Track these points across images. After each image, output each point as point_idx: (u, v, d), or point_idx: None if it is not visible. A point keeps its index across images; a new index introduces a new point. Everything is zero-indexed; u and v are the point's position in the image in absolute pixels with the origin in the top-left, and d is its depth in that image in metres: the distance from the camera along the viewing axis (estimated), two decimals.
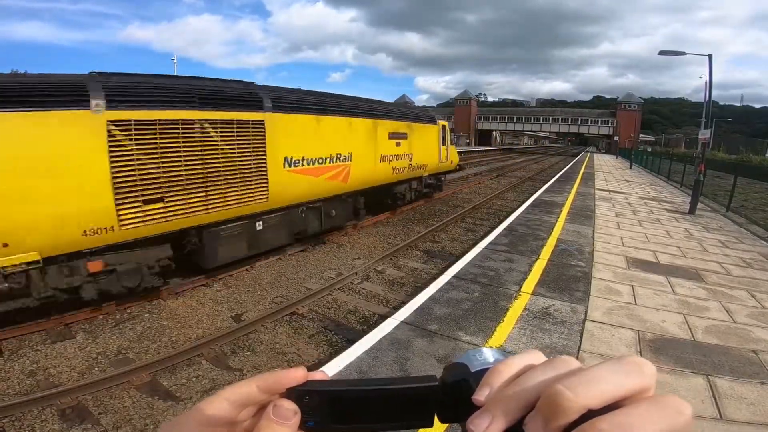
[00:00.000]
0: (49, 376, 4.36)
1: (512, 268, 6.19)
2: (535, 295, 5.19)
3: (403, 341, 3.96)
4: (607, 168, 31.16)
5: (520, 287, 5.44)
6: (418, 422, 0.35)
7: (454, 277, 5.80)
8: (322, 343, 5.07)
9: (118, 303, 5.84)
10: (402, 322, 4.34)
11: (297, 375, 0.35)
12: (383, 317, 4.94)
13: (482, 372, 0.34)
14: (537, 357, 0.34)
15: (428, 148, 13.30)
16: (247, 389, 0.35)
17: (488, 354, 0.37)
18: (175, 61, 33.90)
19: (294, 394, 0.35)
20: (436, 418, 0.36)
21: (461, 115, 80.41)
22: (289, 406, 0.34)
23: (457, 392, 0.34)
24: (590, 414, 0.26)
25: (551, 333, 4.20)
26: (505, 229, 8.81)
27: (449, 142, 15.01)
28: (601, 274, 6.07)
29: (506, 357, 0.35)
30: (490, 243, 7.61)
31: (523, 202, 13.17)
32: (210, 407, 0.35)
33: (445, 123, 14.86)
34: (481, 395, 0.32)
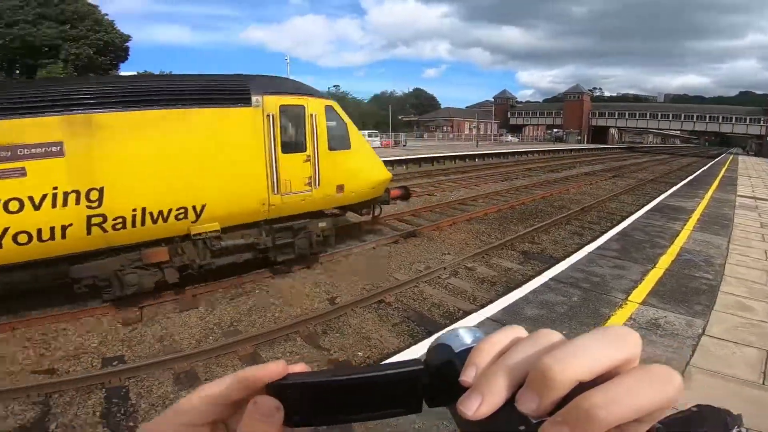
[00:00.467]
0: (173, 342, 5.08)
1: (621, 276, 5.61)
2: (645, 305, 4.65)
3: None
4: (756, 172, 26.34)
5: (628, 296, 4.91)
6: (406, 408, 0.34)
7: (552, 279, 5.46)
8: (403, 333, 5.18)
9: (237, 278, 6.66)
10: (487, 318, 4.23)
11: (276, 369, 0.34)
12: (467, 313, 4.87)
13: (466, 351, 0.33)
14: (518, 332, 0.33)
15: (201, 168, 5.58)
16: (224, 387, 0.34)
17: (470, 332, 0.36)
18: (288, 61, 36.74)
19: (274, 389, 0.33)
20: (424, 403, 0.34)
21: (572, 110, 74.73)
22: (270, 402, 0.32)
23: (443, 374, 0.33)
24: (581, 386, 0.26)
25: (656, 344, 3.76)
26: (617, 233, 8.00)
27: (327, 143, 6.69)
28: (731, 288, 5.20)
29: (488, 334, 0.34)
30: (599, 248, 6.98)
31: (643, 206, 11.78)
32: (187, 407, 0.33)
33: (314, 100, 6.61)
34: (467, 376, 0.31)
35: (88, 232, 5.02)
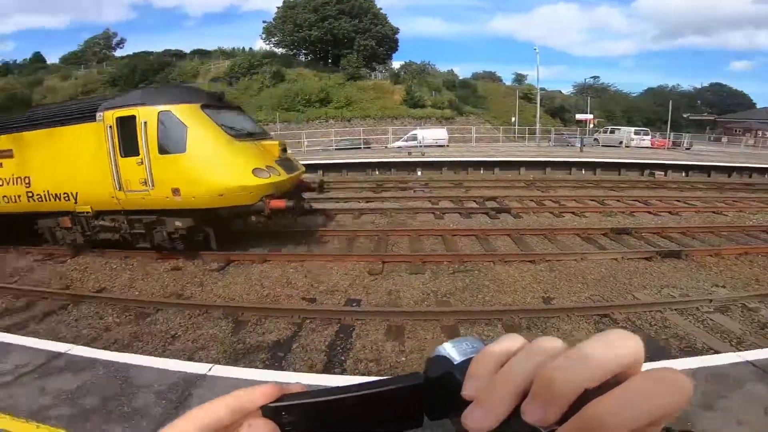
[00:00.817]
0: (398, 298, 5.89)
1: None
2: None
3: (730, 379, 2.95)
4: None
5: None
6: (407, 423, 0.33)
7: None
8: None
9: (460, 255, 7.16)
10: (746, 361, 3.19)
11: (270, 390, 0.33)
12: (717, 352, 3.75)
13: (466, 362, 0.32)
14: (518, 341, 0.32)
15: (70, 166, 7.62)
16: (217, 411, 0.32)
17: (469, 343, 0.36)
18: (537, 51, 35.02)
19: (269, 411, 0.33)
20: (425, 416, 0.34)
21: None
22: (266, 425, 0.32)
23: (443, 387, 0.32)
24: (587, 394, 0.25)
25: None
26: None
27: (158, 148, 7.04)
28: None
29: (486, 345, 0.34)
30: None
31: None
32: None
33: (145, 110, 7.11)
34: (469, 389, 0.30)
35: (28, 201, 8.12)
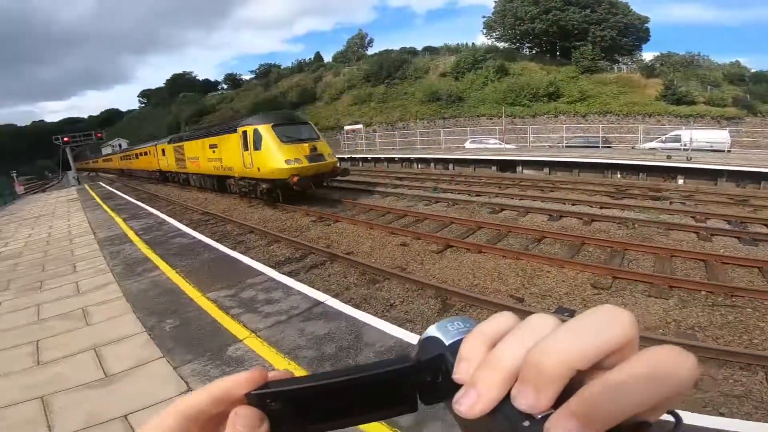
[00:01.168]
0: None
1: None
2: None
3: None
4: None
5: None
6: (400, 408, 0.32)
7: None
8: None
9: (729, 285, 5.69)
10: None
11: (255, 377, 0.32)
12: None
13: (457, 343, 0.31)
14: (509, 319, 0.31)
15: (231, 154, 15.05)
16: (199, 401, 0.31)
17: (460, 323, 0.34)
18: None
19: (255, 398, 0.31)
20: (420, 400, 0.32)
21: None
22: (252, 412, 0.30)
23: (435, 369, 0.31)
24: (581, 376, 0.24)
25: None
26: None
27: (253, 146, 13.76)
28: None
29: (477, 324, 0.32)
30: None
31: None
32: (163, 426, 0.30)
33: (249, 127, 13.95)
34: (461, 372, 0.29)
35: (222, 170, 16.17)
